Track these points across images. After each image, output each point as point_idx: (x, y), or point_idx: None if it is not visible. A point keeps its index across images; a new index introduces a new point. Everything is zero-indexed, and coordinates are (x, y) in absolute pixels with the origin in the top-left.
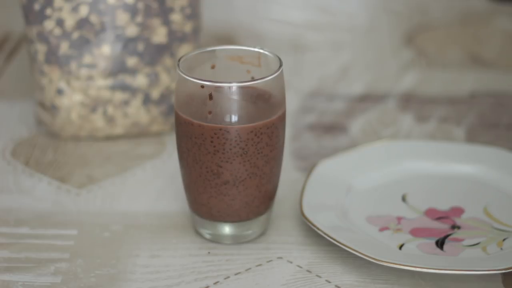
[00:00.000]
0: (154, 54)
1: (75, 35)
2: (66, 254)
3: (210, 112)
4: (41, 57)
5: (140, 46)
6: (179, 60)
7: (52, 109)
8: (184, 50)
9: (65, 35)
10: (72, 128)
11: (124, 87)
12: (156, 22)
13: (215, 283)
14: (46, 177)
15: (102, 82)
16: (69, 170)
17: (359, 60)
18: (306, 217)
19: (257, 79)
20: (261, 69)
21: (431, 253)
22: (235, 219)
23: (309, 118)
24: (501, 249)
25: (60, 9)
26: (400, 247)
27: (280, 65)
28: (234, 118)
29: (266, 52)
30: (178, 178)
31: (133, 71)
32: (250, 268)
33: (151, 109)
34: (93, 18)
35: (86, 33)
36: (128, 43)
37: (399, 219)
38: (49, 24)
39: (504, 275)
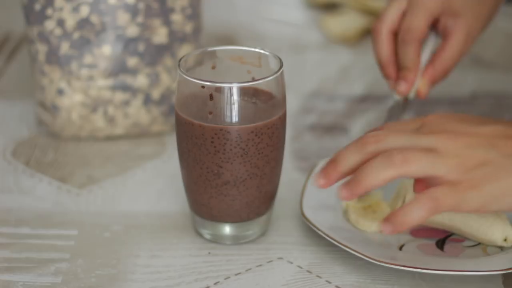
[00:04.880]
0: (154, 54)
1: (76, 35)
2: (66, 254)
3: (210, 113)
4: (41, 57)
5: (141, 46)
6: (179, 60)
7: (53, 109)
8: (184, 50)
9: (66, 35)
10: (73, 128)
11: (125, 87)
12: (156, 22)
13: (215, 284)
14: (46, 177)
15: (102, 82)
16: (70, 170)
17: (359, 61)
18: (307, 217)
19: (257, 80)
20: (261, 70)
21: (432, 253)
22: (235, 220)
23: (309, 119)
24: (501, 249)
25: (61, 9)
26: (401, 248)
27: (281, 66)
28: (235, 119)
29: (267, 53)
30: (178, 178)
31: (133, 71)
32: (250, 269)
33: (151, 109)
34: (94, 18)
35: (87, 33)
36: (128, 43)
37: None
38: (49, 24)
39: (504, 276)
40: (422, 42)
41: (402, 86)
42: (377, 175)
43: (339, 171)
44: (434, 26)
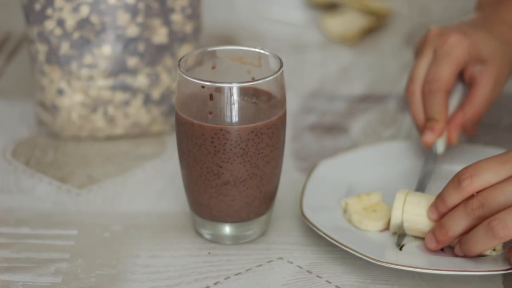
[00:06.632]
0: (154, 54)
1: (76, 35)
2: (66, 254)
3: (210, 113)
4: (41, 57)
5: (141, 46)
6: (179, 60)
7: (53, 109)
8: (184, 50)
9: (66, 35)
10: (73, 128)
11: (125, 87)
12: (156, 22)
13: (215, 284)
14: (46, 177)
15: (102, 82)
16: (70, 170)
17: (359, 61)
18: (307, 217)
19: (257, 80)
20: (261, 70)
21: (432, 253)
22: (235, 220)
23: (309, 119)
24: (502, 250)
25: (61, 9)
26: (401, 248)
27: (281, 66)
28: (235, 119)
29: (267, 53)
30: (178, 178)
31: (133, 71)
32: (250, 269)
33: (151, 109)
34: (94, 18)
35: (87, 33)
36: (128, 43)
37: None
38: (49, 24)
39: (504, 276)
40: (449, 92)
41: (428, 136)
42: (483, 247)
43: (449, 237)
44: (461, 75)
